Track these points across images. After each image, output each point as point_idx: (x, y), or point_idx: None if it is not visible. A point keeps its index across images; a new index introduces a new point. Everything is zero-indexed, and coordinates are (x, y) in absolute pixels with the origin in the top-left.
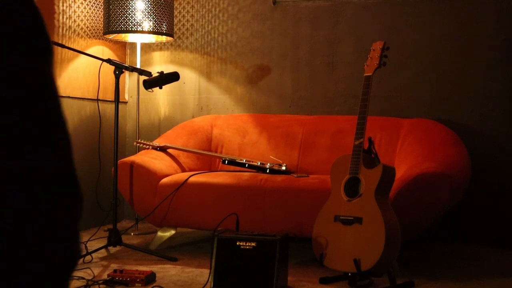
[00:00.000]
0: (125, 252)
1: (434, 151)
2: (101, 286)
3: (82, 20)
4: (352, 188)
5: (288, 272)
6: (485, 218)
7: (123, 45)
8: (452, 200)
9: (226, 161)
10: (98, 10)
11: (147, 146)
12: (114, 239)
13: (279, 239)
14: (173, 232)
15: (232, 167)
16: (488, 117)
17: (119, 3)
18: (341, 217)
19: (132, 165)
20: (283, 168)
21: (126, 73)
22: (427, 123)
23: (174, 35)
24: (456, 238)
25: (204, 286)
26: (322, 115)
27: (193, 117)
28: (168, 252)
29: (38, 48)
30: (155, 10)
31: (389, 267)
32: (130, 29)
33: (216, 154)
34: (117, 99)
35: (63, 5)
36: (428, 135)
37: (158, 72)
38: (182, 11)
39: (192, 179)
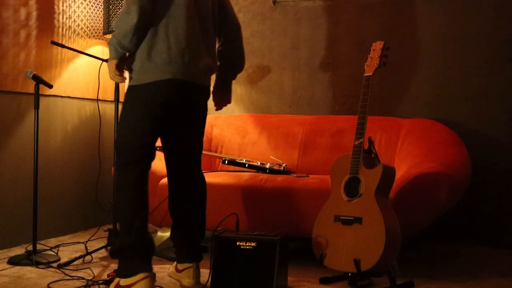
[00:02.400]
0: None
1: (434, 151)
2: (101, 286)
3: (82, 20)
4: (352, 188)
5: (288, 272)
6: (485, 218)
7: None
8: (452, 200)
9: (226, 161)
10: (98, 10)
11: None
12: (114, 239)
13: (279, 239)
14: None
15: (232, 167)
16: (488, 117)
17: (119, 3)
18: (341, 217)
19: None
20: (283, 168)
21: (126, 73)
22: (427, 123)
23: None
24: (456, 238)
25: (204, 286)
26: (322, 115)
27: None
28: (168, 252)
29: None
30: None
31: (389, 267)
32: None
33: (216, 154)
34: (117, 99)
35: (63, 5)
36: (428, 135)
37: None
38: None
39: None
